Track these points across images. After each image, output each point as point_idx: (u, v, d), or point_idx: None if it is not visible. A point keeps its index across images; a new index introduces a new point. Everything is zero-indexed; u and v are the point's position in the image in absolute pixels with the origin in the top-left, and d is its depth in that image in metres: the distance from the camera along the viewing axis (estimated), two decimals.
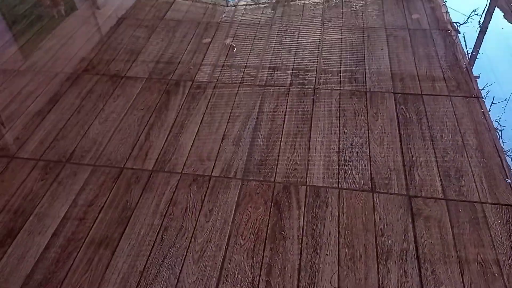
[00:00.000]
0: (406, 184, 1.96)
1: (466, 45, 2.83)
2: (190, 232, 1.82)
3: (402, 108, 2.37)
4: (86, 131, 2.36)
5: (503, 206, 1.83)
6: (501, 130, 2.20)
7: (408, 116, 2.32)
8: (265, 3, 3.54)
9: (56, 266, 1.72)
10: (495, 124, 2.23)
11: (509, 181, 1.92)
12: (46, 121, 2.44)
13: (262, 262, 1.69)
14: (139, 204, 1.95)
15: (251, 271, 1.66)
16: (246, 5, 3.54)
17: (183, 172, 2.09)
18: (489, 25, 3.08)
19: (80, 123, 2.41)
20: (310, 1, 3.54)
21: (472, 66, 2.64)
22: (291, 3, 3.52)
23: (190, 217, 1.88)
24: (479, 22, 3.10)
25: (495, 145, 2.11)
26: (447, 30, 2.98)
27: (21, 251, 1.78)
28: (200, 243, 1.77)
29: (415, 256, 1.67)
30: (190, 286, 1.63)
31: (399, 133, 2.22)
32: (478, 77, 2.54)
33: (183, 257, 1.73)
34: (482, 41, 2.91)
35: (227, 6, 3.54)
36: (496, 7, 3.32)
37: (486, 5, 3.33)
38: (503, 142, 2.12)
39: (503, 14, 3.23)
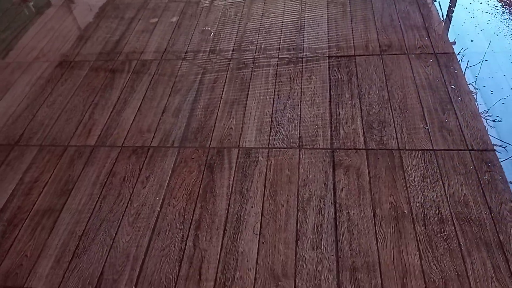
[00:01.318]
0: (331, 139, 2.07)
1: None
2: (127, 199, 1.93)
3: (335, 70, 2.47)
4: (35, 114, 2.46)
5: (420, 151, 1.94)
6: (427, 85, 2.30)
7: (339, 77, 2.42)
8: None
9: (2, 238, 1.84)
10: (422, 79, 2.33)
11: (428, 127, 2.04)
12: None
13: (192, 219, 1.81)
14: (80, 177, 2.06)
15: (181, 228, 1.79)
16: None
17: (123, 145, 2.20)
18: None
19: (29, 108, 2.51)
20: None
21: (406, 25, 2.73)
22: None
23: (127, 185, 1.99)
24: None
25: (419, 97, 2.21)
26: None
27: None
28: (135, 207, 1.89)
29: (333, 202, 1.80)
30: (124, 244, 1.76)
31: (330, 94, 2.33)
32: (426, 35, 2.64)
33: (119, 221, 1.85)
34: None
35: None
36: None
37: None
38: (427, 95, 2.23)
39: None
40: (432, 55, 2.45)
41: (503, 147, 1.89)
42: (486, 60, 2.37)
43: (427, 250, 1.58)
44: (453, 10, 2.82)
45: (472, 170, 1.82)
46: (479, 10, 2.77)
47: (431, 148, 1.94)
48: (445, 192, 1.76)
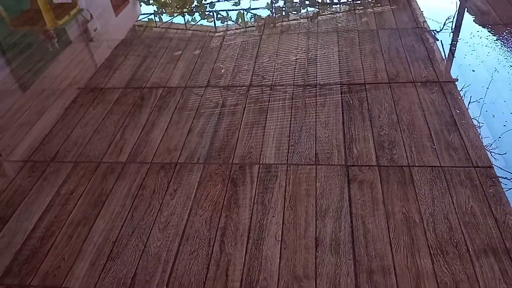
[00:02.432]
0: (345, 156, 2.23)
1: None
2: (156, 209, 2.09)
3: (347, 96, 2.68)
4: (69, 135, 2.66)
5: (428, 167, 2.10)
6: (434, 110, 2.49)
7: (351, 102, 2.62)
8: (252, 26, 3.87)
9: (41, 243, 1.99)
10: (428, 104, 2.52)
11: (435, 147, 2.20)
12: (33, 130, 2.75)
13: (218, 227, 1.95)
14: (113, 190, 2.22)
15: (208, 234, 1.92)
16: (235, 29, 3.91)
17: (152, 161, 2.37)
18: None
19: (64, 129, 2.72)
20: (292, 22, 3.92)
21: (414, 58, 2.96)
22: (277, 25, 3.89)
23: (157, 197, 2.15)
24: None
25: (426, 120, 2.39)
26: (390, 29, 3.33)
27: (10, 233, 2.05)
28: (165, 216, 2.04)
29: (349, 212, 1.94)
30: (155, 249, 1.89)
31: (343, 117, 2.51)
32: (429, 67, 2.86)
33: (150, 228, 1.99)
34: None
35: (216, 32, 3.85)
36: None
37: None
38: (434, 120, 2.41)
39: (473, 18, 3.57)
40: (437, 83, 2.66)
41: (504, 170, 2.04)
42: (488, 88, 2.57)
43: (438, 255, 1.70)
44: (455, 44, 3.05)
45: (478, 185, 1.97)
46: (479, 44, 3.00)
47: (438, 165, 2.10)
48: (453, 203, 1.90)
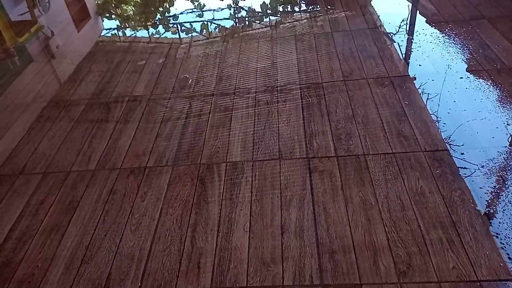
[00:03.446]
0: (306, 150, 2.37)
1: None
2: (128, 211, 2.15)
3: (306, 94, 2.83)
4: (36, 147, 2.68)
5: (381, 155, 2.27)
6: (385, 101, 2.68)
7: (310, 100, 2.78)
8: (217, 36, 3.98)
9: (13, 253, 2.00)
10: (380, 98, 2.71)
11: (387, 136, 2.38)
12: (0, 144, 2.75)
13: (188, 224, 2.04)
14: (83, 197, 2.27)
15: (179, 231, 2.01)
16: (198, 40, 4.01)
17: (121, 167, 2.43)
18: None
19: (31, 142, 2.73)
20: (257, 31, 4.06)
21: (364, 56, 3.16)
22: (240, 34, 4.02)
23: (128, 200, 2.21)
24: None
25: (378, 112, 2.57)
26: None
27: None
28: (136, 218, 2.11)
29: (311, 200, 2.07)
30: (128, 249, 1.95)
31: (303, 114, 2.66)
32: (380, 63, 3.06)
33: (122, 230, 2.05)
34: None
35: (181, 44, 3.93)
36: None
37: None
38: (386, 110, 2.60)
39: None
40: (387, 78, 2.86)
41: (451, 148, 2.24)
42: (433, 80, 2.78)
43: (392, 232, 1.85)
44: (403, 41, 3.28)
45: (426, 167, 2.15)
46: (424, 41, 3.24)
47: (391, 151, 2.27)
48: (405, 185, 2.07)
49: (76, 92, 3.21)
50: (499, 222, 1.83)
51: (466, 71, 2.83)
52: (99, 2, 5.05)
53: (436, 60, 2.99)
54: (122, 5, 4.91)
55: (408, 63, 3.02)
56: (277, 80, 3.03)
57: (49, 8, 4.46)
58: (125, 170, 2.41)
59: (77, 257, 1.95)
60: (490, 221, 1.84)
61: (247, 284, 1.74)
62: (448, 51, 3.06)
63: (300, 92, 2.87)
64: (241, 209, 2.07)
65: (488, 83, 2.69)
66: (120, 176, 2.37)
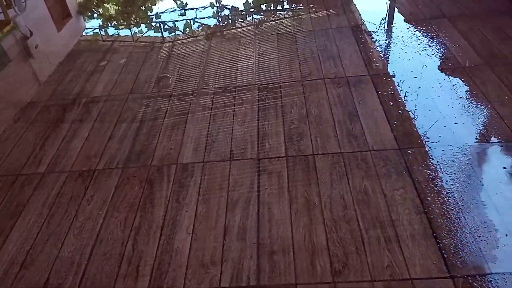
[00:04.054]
0: (258, 151, 2.37)
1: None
2: (72, 215, 2.12)
3: (263, 95, 2.83)
4: None
5: (330, 154, 2.27)
6: (340, 101, 2.69)
7: (267, 101, 2.78)
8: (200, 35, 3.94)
9: None
10: (335, 98, 2.72)
11: (338, 135, 2.39)
12: None
13: (132, 227, 2.02)
14: (30, 200, 2.24)
15: (122, 235, 1.99)
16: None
17: (71, 170, 2.41)
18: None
19: None
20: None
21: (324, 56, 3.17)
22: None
23: (74, 204, 2.19)
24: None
25: (331, 112, 2.58)
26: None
27: None
28: (80, 222, 2.08)
29: (257, 201, 2.06)
30: (69, 254, 1.93)
31: (258, 115, 2.66)
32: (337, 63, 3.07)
33: (65, 234, 2.03)
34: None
35: (164, 43, 3.87)
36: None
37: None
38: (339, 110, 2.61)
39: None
40: (344, 78, 2.87)
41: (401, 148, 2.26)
42: (389, 79, 2.80)
43: (332, 232, 1.86)
44: (363, 41, 3.30)
45: (372, 166, 2.16)
46: (384, 41, 3.26)
47: (339, 151, 2.28)
48: (349, 185, 2.08)
49: (35, 94, 3.17)
50: (438, 221, 1.85)
51: (423, 70, 2.86)
52: (80, 0, 4.98)
53: (393, 59, 3.01)
54: (104, 4, 4.86)
55: (366, 62, 3.03)
56: (236, 80, 3.03)
57: (25, 8, 4.37)
58: (74, 173, 2.38)
59: (16, 262, 1.92)
60: (429, 220, 1.86)
61: (184, 286, 1.73)
62: (405, 51, 3.09)
63: (258, 92, 2.86)
64: (187, 211, 2.06)
65: (442, 82, 2.72)
66: (68, 179, 2.34)
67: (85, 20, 4.65)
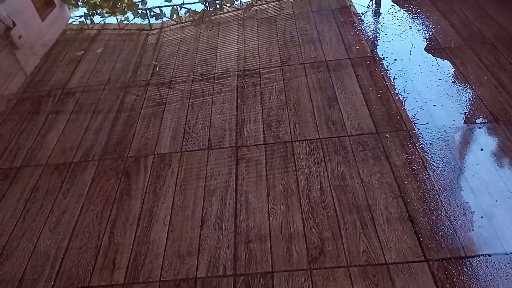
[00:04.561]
0: (236, 139, 2.35)
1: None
2: (48, 209, 2.09)
3: (242, 81, 2.79)
4: None
5: (308, 141, 2.25)
6: (319, 87, 2.66)
7: (245, 87, 2.74)
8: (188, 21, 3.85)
9: None
10: (314, 83, 2.69)
11: (316, 121, 2.36)
12: None
13: (108, 219, 2.00)
14: (5, 196, 2.20)
15: (98, 228, 1.97)
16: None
17: (47, 163, 2.36)
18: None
19: None
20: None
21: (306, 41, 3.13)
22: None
23: (49, 198, 2.15)
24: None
25: (310, 98, 2.55)
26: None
27: None
28: (56, 216, 2.05)
29: (234, 190, 2.05)
30: (45, 248, 1.91)
31: (237, 102, 2.62)
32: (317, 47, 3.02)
33: (41, 229, 2.00)
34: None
35: (151, 30, 3.79)
36: None
37: None
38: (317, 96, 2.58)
39: None
40: (324, 62, 2.83)
41: (377, 132, 2.24)
42: (368, 62, 2.77)
43: (309, 218, 1.85)
44: (343, 24, 3.25)
45: (350, 151, 2.15)
46: (364, 24, 3.22)
47: (317, 137, 2.26)
48: (327, 170, 2.06)
49: (9, 85, 3.09)
50: (414, 205, 1.85)
51: (403, 52, 2.83)
52: None
53: (373, 42, 2.98)
54: None
55: (346, 46, 2.99)
56: (215, 67, 2.98)
57: None
58: (50, 167, 2.34)
59: None
60: (406, 203, 1.86)
61: (160, 278, 1.72)
62: (386, 33, 3.05)
63: (237, 79, 2.82)
64: (163, 202, 2.04)
65: (422, 64, 2.69)
66: (44, 173, 2.30)
67: (69, 9, 4.53)
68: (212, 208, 1.98)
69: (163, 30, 3.65)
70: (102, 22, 4.05)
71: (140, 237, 1.89)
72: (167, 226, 1.93)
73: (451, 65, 2.64)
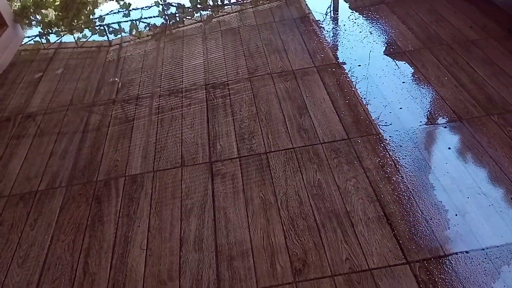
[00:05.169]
0: (209, 154, 2.31)
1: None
2: (15, 243, 1.97)
3: (211, 95, 2.76)
4: None
5: (282, 151, 2.25)
6: (288, 96, 2.67)
7: (215, 101, 2.71)
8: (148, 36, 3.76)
9: None
10: (283, 92, 2.70)
11: (289, 131, 2.37)
12: None
13: (81, 249, 1.91)
14: None
15: (71, 259, 1.87)
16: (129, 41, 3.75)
17: (10, 194, 2.23)
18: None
19: None
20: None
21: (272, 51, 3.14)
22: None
23: (16, 231, 2.03)
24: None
25: (281, 108, 2.56)
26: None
27: None
28: (24, 249, 1.94)
29: (212, 206, 2.01)
30: (14, 285, 1.79)
31: (207, 116, 2.59)
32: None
33: (8, 265, 1.88)
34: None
35: (110, 46, 3.66)
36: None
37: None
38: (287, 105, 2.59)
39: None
40: (291, 71, 2.85)
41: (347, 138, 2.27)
42: (333, 69, 2.82)
43: (290, 230, 1.85)
44: (306, 32, 3.30)
45: (324, 159, 2.16)
46: (326, 31, 3.28)
47: (291, 147, 2.27)
48: (303, 180, 2.07)
49: None
50: (390, 208, 1.88)
51: (365, 57, 2.90)
52: (15, 8, 4.60)
53: (337, 49, 3.04)
54: (42, 10, 4.51)
55: (311, 54, 3.03)
56: (182, 81, 2.93)
57: None
58: (14, 197, 2.21)
59: None
60: (382, 207, 1.89)
61: None
62: (348, 40, 3.12)
63: (206, 92, 2.79)
64: (139, 226, 1.97)
65: (385, 68, 2.77)
66: (8, 205, 2.17)
67: (23, 29, 4.33)
68: (190, 227, 1.93)
69: (123, 45, 3.57)
70: (59, 41, 3.90)
71: (116, 265, 1.81)
72: (145, 250, 1.86)
73: (413, 67, 2.73)
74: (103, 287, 1.73)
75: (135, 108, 2.74)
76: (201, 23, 3.71)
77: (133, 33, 3.84)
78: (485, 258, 1.62)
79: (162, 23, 3.94)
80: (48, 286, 1.77)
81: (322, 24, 3.40)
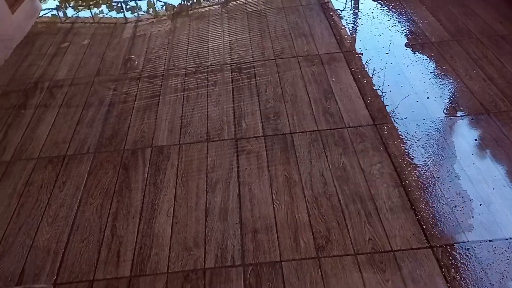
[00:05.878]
0: (235, 131, 2.34)
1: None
2: (44, 203, 2.03)
3: (236, 74, 2.78)
4: None
5: (307, 132, 2.28)
6: (314, 79, 2.68)
7: (240, 80, 2.73)
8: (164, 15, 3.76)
9: None
10: (309, 76, 2.71)
11: (314, 113, 2.39)
12: None
13: (109, 213, 1.96)
14: None
15: (99, 221, 1.92)
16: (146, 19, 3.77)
17: (39, 157, 2.29)
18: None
19: None
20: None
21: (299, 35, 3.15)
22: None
23: (45, 192, 2.09)
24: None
25: (306, 91, 2.58)
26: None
27: None
28: (54, 209, 1.99)
29: (237, 181, 2.05)
30: (44, 242, 1.85)
31: (233, 95, 2.61)
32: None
33: (38, 223, 1.94)
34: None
35: (127, 23, 3.67)
36: None
37: None
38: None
39: None
40: (317, 56, 2.86)
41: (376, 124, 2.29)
42: (361, 56, 2.82)
43: (314, 208, 1.88)
44: (334, 18, 3.29)
45: (349, 143, 2.19)
46: (354, 18, 3.27)
47: (316, 129, 2.29)
48: (327, 162, 2.09)
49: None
50: (415, 194, 1.90)
51: (393, 46, 2.89)
52: None
53: (364, 37, 3.03)
54: None
55: (338, 40, 3.03)
56: (208, 60, 2.95)
57: None
58: (43, 160, 2.26)
59: None
60: (407, 192, 1.91)
61: (168, 270, 1.71)
62: (376, 28, 3.11)
63: (231, 72, 2.81)
64: (165, 194, 2.02)
65: (412, 57, 2.76)
66: (37, 167, 2.23)
67: (40, 1, 4.35)
68: (215, 199, 1.97)
69: (143, 24, 3.58)
70: (75, 16, 3.92)
71: (144, 230, 1.86)
72: (171, 218, 1.91)
73: (441, 58, 2.72)
74: (130, 249, 1.79)
75: (161, 84, 2.77)
76: (218, 6, 3.72)
77: (150, 11, 3.84)
78: (508, 248, 1.65)
79: (180, 3, 3.92)
80: (76, 244, 1.83)
81: (350, 10, 3.39)
